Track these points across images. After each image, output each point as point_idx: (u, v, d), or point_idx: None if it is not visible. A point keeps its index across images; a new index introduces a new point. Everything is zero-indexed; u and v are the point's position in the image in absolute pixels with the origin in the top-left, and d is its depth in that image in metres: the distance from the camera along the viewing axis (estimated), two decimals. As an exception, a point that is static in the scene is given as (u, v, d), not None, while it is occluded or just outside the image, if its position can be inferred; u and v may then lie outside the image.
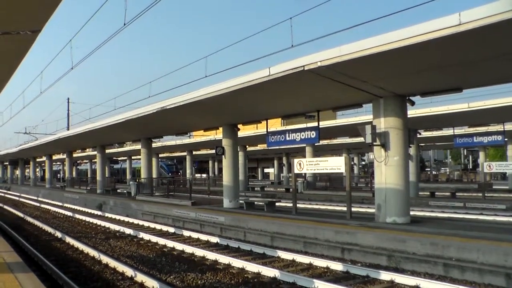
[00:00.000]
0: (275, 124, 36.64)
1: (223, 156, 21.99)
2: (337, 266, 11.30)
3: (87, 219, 23.31)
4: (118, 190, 37.80)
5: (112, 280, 10.46)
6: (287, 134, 18.72)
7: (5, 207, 32.88)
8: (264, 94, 15.83)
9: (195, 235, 16.93)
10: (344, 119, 31.17)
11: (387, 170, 14.53)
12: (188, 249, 13.92)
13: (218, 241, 15.57)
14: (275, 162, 63.39)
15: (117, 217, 23.97)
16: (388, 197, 14.52)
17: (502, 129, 26.31)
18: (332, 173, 34.07)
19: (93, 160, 61.81)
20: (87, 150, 52.64)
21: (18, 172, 69.53)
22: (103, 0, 13.06)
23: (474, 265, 9.93)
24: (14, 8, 5.95)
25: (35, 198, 41.84)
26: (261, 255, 13.22)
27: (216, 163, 73.06)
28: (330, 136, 39.79)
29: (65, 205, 33.21)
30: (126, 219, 22.89)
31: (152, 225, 20.17)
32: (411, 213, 15.62)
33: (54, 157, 56.34)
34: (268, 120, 20.55)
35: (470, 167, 77.20)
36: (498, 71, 12.24)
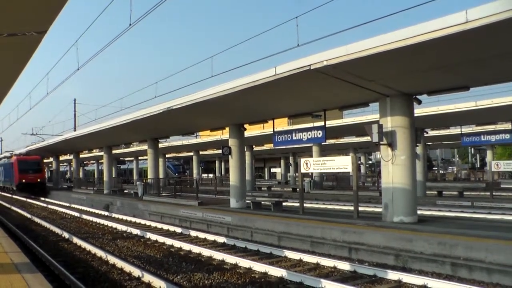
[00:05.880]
0: (282, 124, 36.58)
1: (229, 156, 21.98)
2: (344, 266, 11.29)
3: (94, 219, 23.38)
4: (125, 191, 37.87)
5: (119, 280, 10.48)
6: (293, 134, 18.68)
7: (13, 208, 33.04)
8: (270, 94, 15.82)
9: (202, 235, 16.94)
10: (351, 118, 31.06)
11: (394, 169, 14.47)
12: (195, 249, 13.94)
13: (225, 241, 15.57)
14: (282, 162, 63.30)
15: (124, 217, 24.03)
16: (395, 197, 14.47)
17: (510, 128, 26.14)
18: (339, 173, 34.03)
19: (100, 161, 61.97)
20: (94, 150, 52.78)
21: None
22: (109, 0, 13.09)
23: (482, 264, 9.88)
24: (19, 10, 5.96)
25: (43, 199, 41.99)
26: (268, 255, 13.22)
27: (222, 163, 73.07)
28: (337, 136, 39.71)
29: (72, 205, 33.31)
30: (133, 219, 22.94)
31: (159, 225, 20.21)
32: (418, 212, 15.56)
33: (61, 158, 56.55)
34: (275, 120, 20.52)
35: (478, 166, 76.81)
36: (506, 69, 12.16)
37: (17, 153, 54.27)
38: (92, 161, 73.59)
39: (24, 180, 45.50)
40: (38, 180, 46.41)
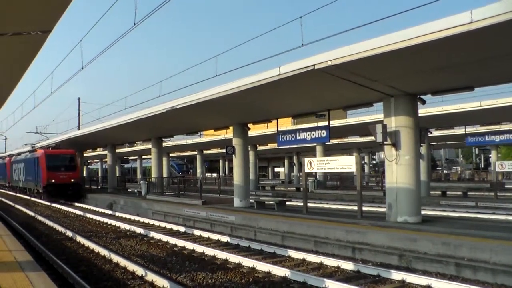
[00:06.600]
0: (286, 123, 36.58)
1: (233, 155, 22.00)
2: (348, 266, 11.26)
3: (98, 218, 23.40)
4: (128, 190, 37.90)
5: (123, 279, 10.49)
6: (297, 133, 18.66)
7: (17, 206, 33.09)
8: (274, 94, 15.81)
9: (205, 234, 16.94)
10: (355, 118, 31.06)
11: (398, 169, 14.45)
12: (199, 248, 13.93)
13: (229, 240, 15.56)
14: (286, 161, 63.35)
15: (128, 216, 24.04)
16: (399, 196, 14.45)
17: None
18: (343, 172, 33.98)
19: (103, 160, 62.08)
20: (98, 149, 52.86)
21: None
22: (113, 0, 13.10)
23: (487, 265, 9.84)
24: (24, 9, 5.97)
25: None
26: (272, 254, 13.21)
27: (226, 163, 73.17)
28: (341, 135, 39.69)
29: (76, 204, 33.33)
30: (137, 218, 22.95)
31: (163, 224, 20.21)
32: (422, 212, 15.52)
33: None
34: (279, 119, 20.51)
35: (482, 166, 76.72)
36: (511, 69, 12.12)
37: (43, 145, 44.11)
38: (96, 160, 73.78)
39: (54, 180, 35.18)
40: (72, 180, 36.12)
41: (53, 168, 35.64)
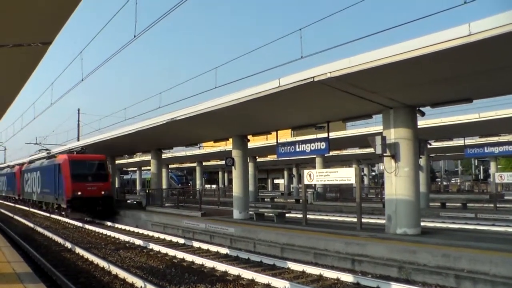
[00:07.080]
0: (285, 135, 36.60)
1: (233, 167, 22.00)
2: (347, 278, 11.23)
3: (97, 229, 23.35)
4: (128, 201, 37.78)
5: (122, 291, 10.47)
6: (297, 145, 18.68)
7: (16, 217, 32.98)
8: (274, 106, 15.83)
9: (204, 246, 16.91)
10: (354, 129, 31.08)
11: (398, 181, 14.45)
12: (198, 260, 13.90)
13: (228, 252, 15.52)
14: (285, 173, 63.28)
15: (127, 227, 24.00)
16: (398, 208, 14.44)
17: (514, 139, 26.12)
18: (342, 184, 33.96)
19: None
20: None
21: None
22: (114, 12, 13.17)
23: (487, 277, 9.83)
24: (25, 21, 6.00)
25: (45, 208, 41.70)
26: (271, 266, 13.18)
27: (226, 174, 73.08)
28: (340, 147, 39.70)
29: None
30: (136, 229, 22.91)
31: (162, 236, 20.17)
32: (422, 224, 15.51)
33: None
34: (278, 131, 20.53)
35: (481, 177, 76.65)
36: (509, 81, 12.16)
37: (63, 150, 36.82)
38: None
39: (80, 193, 28.13)
40: (103, 192, 29.10)
41: (80, 177, 28.79)
